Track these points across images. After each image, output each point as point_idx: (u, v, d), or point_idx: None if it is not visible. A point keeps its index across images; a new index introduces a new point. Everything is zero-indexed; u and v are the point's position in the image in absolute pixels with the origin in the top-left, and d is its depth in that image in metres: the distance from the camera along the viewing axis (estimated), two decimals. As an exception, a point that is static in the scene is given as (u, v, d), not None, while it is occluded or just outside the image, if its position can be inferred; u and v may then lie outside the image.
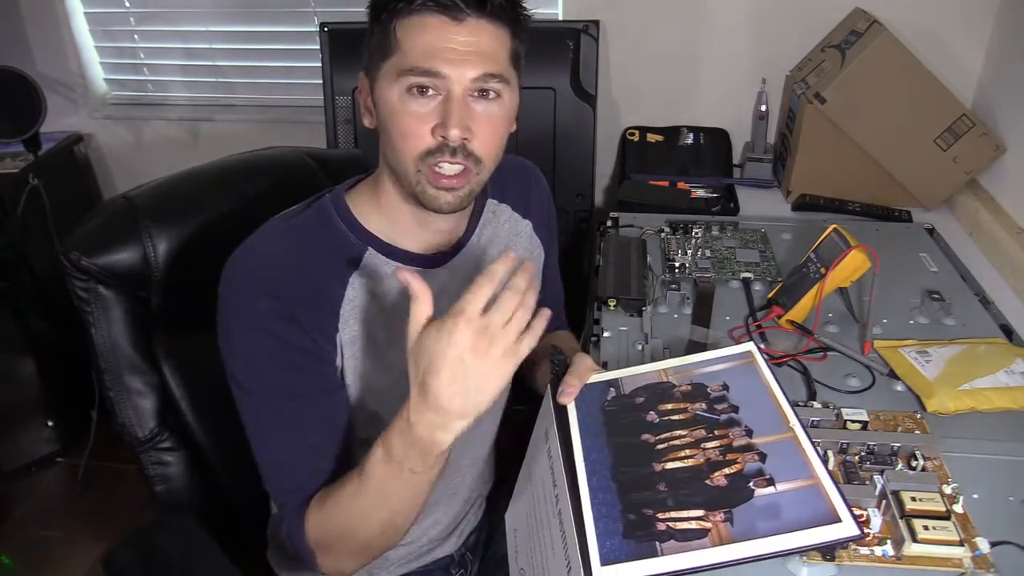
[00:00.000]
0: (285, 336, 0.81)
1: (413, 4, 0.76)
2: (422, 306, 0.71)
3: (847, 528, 0.61)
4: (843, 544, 0.73)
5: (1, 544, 1.88)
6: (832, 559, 0.75)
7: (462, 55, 0.76)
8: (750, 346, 0.82)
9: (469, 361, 0.67)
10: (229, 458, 1.01)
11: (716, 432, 0.73)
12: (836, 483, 0.65)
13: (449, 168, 0.79)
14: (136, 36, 2.09)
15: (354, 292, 0.85)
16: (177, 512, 1.00)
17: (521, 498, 0.85)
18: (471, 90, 0.78)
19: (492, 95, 0.79)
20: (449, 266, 0.91)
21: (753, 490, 0.66)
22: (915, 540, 0.75)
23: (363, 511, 0.78)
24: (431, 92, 0.77)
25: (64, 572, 1.81)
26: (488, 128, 0.80)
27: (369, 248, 0.86)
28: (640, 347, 1.12)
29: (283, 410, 0.83)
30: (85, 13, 2.06)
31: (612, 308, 1.20)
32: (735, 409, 0.75)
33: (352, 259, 0.86)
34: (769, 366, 0.79)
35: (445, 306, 0.91)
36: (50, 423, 2.07)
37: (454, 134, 0.77)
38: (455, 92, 0.77)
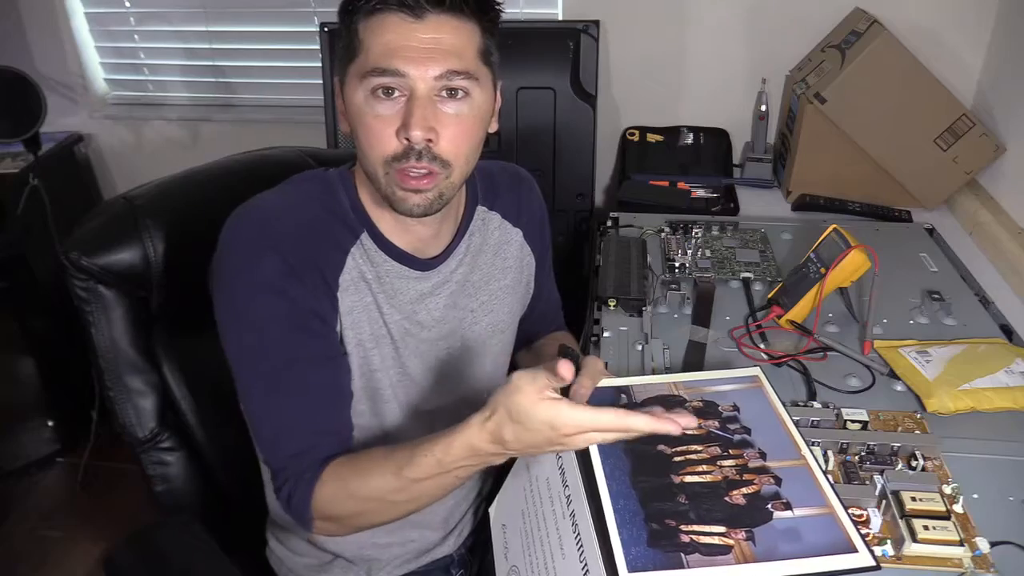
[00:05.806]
0: (292, 295, 0.79)
1: (372, 3, 0.74)
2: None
3: (864, 559, 0.62)
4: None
5: (1, 544, 1.88)
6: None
7: (423, 52, 0.74)
8: (756, 370, 0.83)
9: (547, 442, 0.68)
10: (229, 458, 1.01)
11: (731, 451, 0.73)
12: (850, 515, 0.66)
13: (416, 171, 0.78)
14: (136, 36, 2.09)
15: (353, 263, 0.84)
16: (177, 512, 1.00)
17: (514, 494, 0.85)
18: (436, 89, 0.76)
19: (460, 94, 0.77)
20: (436, 271, 0.91)
21: (772, 512, 0.66)
22: (915, 540, 0.75)
23: (396, 503, 0.77)
24: (396, 94, 0.76)
25: (64, 572, 1.81)
26: (455, 129, 0.78)
27: (365, 231, 0.86)
28: (640, 347, 1.12)
29: (288, 373, 0.81)
30: (85, 13, 2.06)
31: (612, 308, 1.20)
32: (747, 431, 0.75)
33: (353, 232, 0.85)
34: (775, 390, 0.80)
35: (426, 313, 0.91)
36: (50, 423, 2.07)
37: (416, 135, 0.75)
38: (418, 91, 0.75)
